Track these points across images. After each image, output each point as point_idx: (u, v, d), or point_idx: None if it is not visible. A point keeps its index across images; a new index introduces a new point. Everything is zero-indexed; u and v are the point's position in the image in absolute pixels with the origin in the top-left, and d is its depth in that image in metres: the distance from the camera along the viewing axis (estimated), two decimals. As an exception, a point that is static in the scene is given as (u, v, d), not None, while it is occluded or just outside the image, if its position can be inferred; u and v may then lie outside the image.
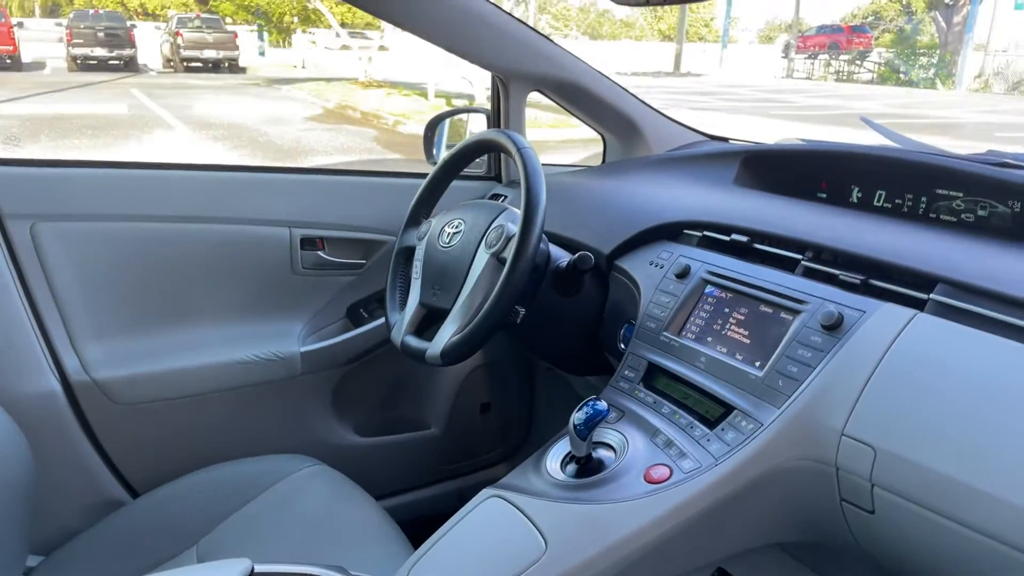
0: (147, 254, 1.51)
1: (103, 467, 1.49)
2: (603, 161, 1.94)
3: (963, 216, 1.21)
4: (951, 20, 20.21)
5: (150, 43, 20.96)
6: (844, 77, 24.13)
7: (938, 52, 20.72)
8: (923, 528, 0.85)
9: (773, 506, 1.00)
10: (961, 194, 1.21)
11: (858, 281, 1.02)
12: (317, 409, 1.70)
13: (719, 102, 15.85)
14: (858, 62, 24.22)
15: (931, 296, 0.94)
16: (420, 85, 14.06)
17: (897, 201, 1.30)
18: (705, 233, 1.28)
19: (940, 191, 1.24)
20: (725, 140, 1.88)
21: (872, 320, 0.95)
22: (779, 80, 24.94)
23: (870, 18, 29.14)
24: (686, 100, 15.91)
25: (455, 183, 1.61)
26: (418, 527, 1.17)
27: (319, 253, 1.66)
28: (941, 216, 1.24)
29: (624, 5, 1.02)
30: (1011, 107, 15.90)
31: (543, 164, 1.96)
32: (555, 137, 9.28)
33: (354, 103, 13.13)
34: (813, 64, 26.05)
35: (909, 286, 0.97)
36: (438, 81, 13.06)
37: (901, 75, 21.25)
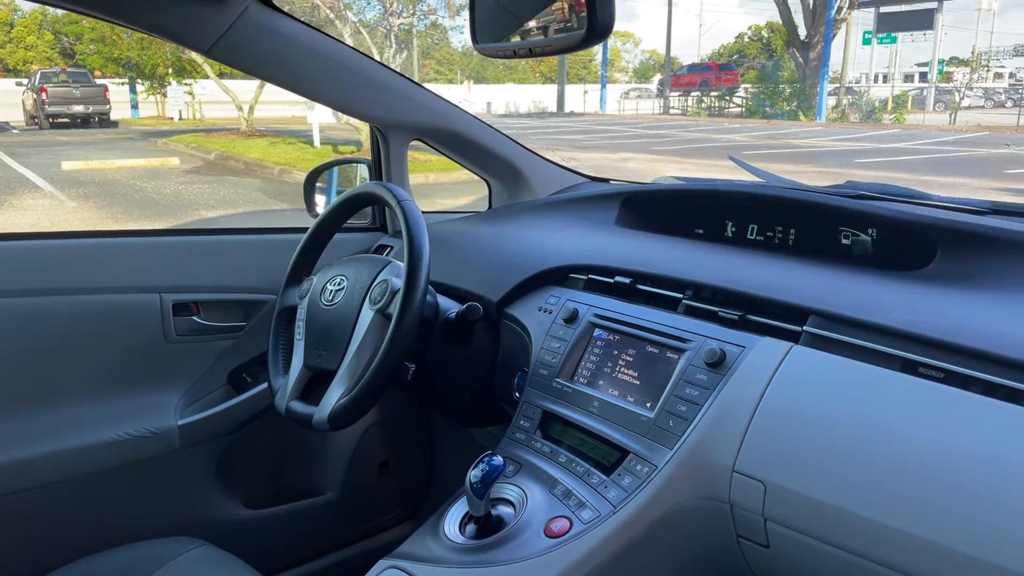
0: (1, 333, 1.39)
1: None
2: (489, 206, 1.94)
3: (828, 246, 1.27)
4: (808, 56, 21.76)
5: (11, 100, 19.83)
6: (716, 112, 25.53)
7: (798, 86, 22.24)
8: (816, 559, 0.87)
9: (675, 547, 0.99)
10: (824, 225, 1.27)
11: (736, 317, 1.05)
12: (200, 484, 1.59)
13: (603, 140, 16.41)
14: (727, 98, 25.72)
15: (804, 328, 0.97)
16: (305, 133, 13.86)
17: (768, 234, 1.35)
18: (590, 276, 1.29)
19: (805, 224, 1.30)
20: (606, 181, 1.92)
21: (752, 355, 0.97)
22: (656, 117, 26.11)
23: (735, 56, 31.05)
24: (572, 140, 16.39)
25: (339, 236, 1.56)
26: None
27: (194, 318, 1.56)
28: (810, 247, 1.29)
29: (492, 57, 1.02)
30: (866, 134, 17.20)
31: (434, 211, 1.96)
32: (449, 179, 9.33)
33: (236, 153, 12.79)
34: (687, 101, 27.45)
35: (784, 319, 1.01)
36: (322, 127, 12.93)
37: (767, 109, 22.66)
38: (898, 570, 0.79)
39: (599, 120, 24.62)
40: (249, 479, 1.69)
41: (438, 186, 9.30)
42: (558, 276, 1.33)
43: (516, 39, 0.99)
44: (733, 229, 1.41)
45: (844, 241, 1.25)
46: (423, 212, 1.91)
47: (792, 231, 1.32)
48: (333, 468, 1.79)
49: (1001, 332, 0.85)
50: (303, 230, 1.46)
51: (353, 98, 1.57)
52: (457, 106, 1.73)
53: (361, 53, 1.55)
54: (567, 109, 28.41)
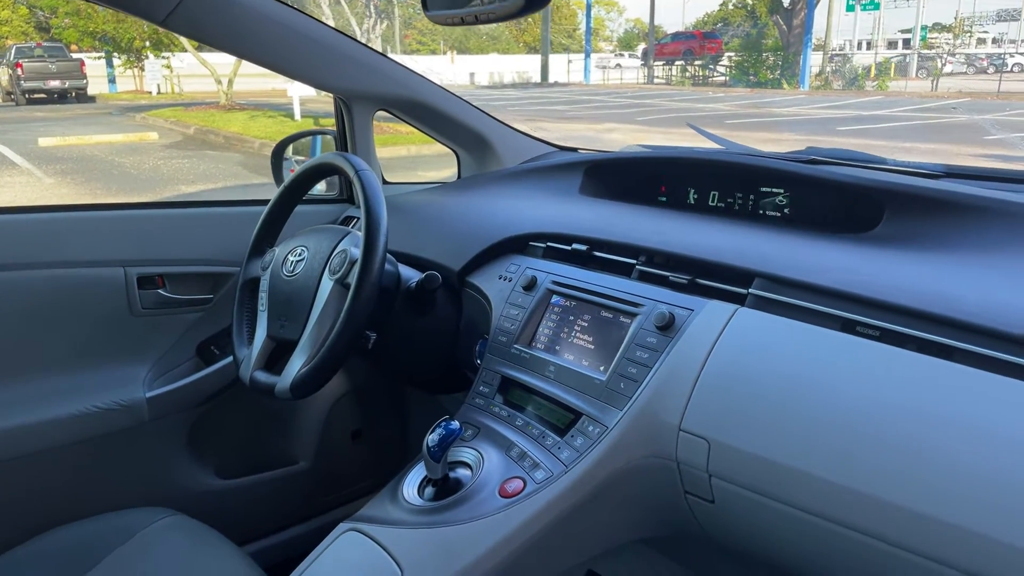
0: None
1: None
2: (458, 176, 1.95)
3: (785, 211, 1.29)
4: (791, 23, 21.66)
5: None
6: (700, 81, 25.43)
7: (782, 54, 22.17)
8: (758, 513, 0.90)
9: (626, 504, 1.02)
10: (781, 191, 1.29)
11: (685, 281, 1.07)
12: (172, 456, 1.61)
13: (587, 111, 16.33)
14: (711, 66, 25.60)
15: (750, 291, 1.00)
16: (286, 106, 13.71)
17: (729, 200, 1.37)
18: (549, 244, 1.30)
19: (764, 189, 1.32)
20: (574, 150, 1.93)
21: (699, 318, 1.00)
22: (641, 86, 25.98)
23: (719, 24, 30.85)
24: (556, 111, 16.30)
25: (307, 208, 1.56)
26: (290, 568, 1.13)
27: (160, 291, 1.57)
28: (767, 212, 1.31)
29: (442, 24, 1.03)
30: (849, 102, 17.21)
31: (406, 182, 1.96)
32: (430, 152, 9.28)
33: (216, 128, 12.64)
34: (671, 70, 27.30)
35: (731, 282, 1.03)
36: (303, 100, 12.80)
37: (750, 77, 22.60)
38: (833, 521, 0.82)
39: (583, 90, 24.47)
40: (221, 449, 1.71)
41: (419, 158, 9.25)
42: (518, 244, 1.35)
43: (464, 8, 1.00)
44: (695, 196, 1.42)
45: (798, 206, 1.27)
46: (400, 183, 1.93)
47: (751, 197, 1.34)
48: (306, 438, 1.82)
49: (936, 291, 0.87)
50: (267, 202, 1.46)
51: (314, 68, 1.56)
52: (422, 76, 1.73)
53: (321, 23, 1.54)
54: (551, 79, 28.21)
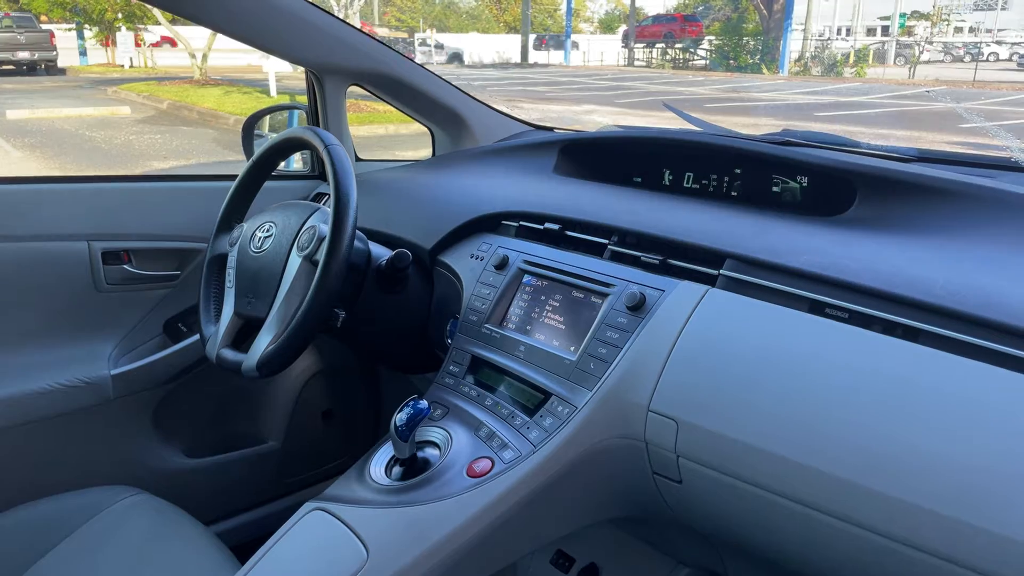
0: None
1: None
2: (432, 154, 1.93)
3: (759, 193, 1.29)
4: (772, 7, 21.65)
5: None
6: (680, 64, 25.41)
7: (762, 38, 22.17)
8: (725, 494, 0.90)
9: (594, 485, 1.02)
10: (756, 173, 1.29)
11: (657, 261, 1.06)
12: (138, 434, 1.58)
13: (567, 92, 16.26)
14: (691, 50, 25.58)
15: (721, 271, 0.99)
16: (261, 82, 13.51)
17: (704, 182, 1.36)
18: (521, 223, 1.29)
19: (739, 170, 1.31)
20: (550, 129, 1.91)
21: (670, 298, 0.99)
22: (621, 68, 25.92)
23: (700, 7, 30.79)
24: (536, 92, 16.21)
25: (280, 183, 1.53)
26: (258, 547, 1.12)
27: (125, 267, 1.54)
28: (742, 194, 1.31)
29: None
30: (828, 88, 17.29)
31: (381, 159, 1.94)
32: (408, 131, 9.19)
33: (190, 103, 12.43)
34: (651, 52, 27.25)
35: (702, 263, 1.02)
36: (279, 76, 12.61)
37: (730, 61, 22.61)
38: (798, 501, 0.82)
39: (563, 71, 24.36)
40: (190, 428, 1.69)
41: (397, 138, 9.16)
42: (490, 223, 1.33)
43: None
44: (670, 177, 1.42)
45: (775, 188, 1.27)
46: (373, 160, 1.90)
47: (726, 178, 1.33)
48: (276, 417, 1.80)
49: (904, 274, 0.87)
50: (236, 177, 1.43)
51: (285, 40, 1.53)
52: (395, 50, 1.70)
53: None
54: (531, 60, 28.03)
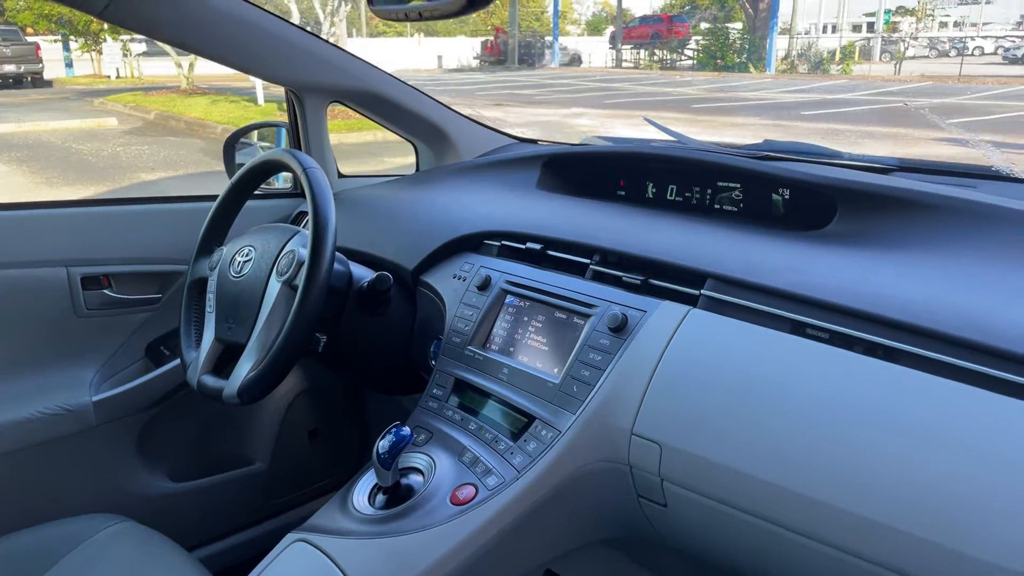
0: None
1: None
2: (416, 169, 1.92)
3: (741, 206, 1.28)
4: (757, 6, 21.69)
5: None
6: (668, 65, 25.44)
7: (748, 38, 22.20)
8: (710, 517, 0.89)
9: (579, 509, 1.01)
10: (738, 186, 1.28)
11: (639, 282, 1.05)
12: (122, 460, 1.57)
13: (555, 95, 16.26)
14: (679, 50, 25.62)
15: (702, 292, 0.99)
16: (249, 90, 13.47)
17: (687, 195, 1.36)
18: (503, 242, 1.28)
19: (721, 184, 1.31)
20: (534, 142, 1.90)
21: (651, 320, 0.98)
22: (609, 70, 25.95)
23: (687, 7, 30.83)
24: (524, 95, 16.21)
25: (261, 203, 1.51)
26: (246, 571, 1.11)
27: (105, 291, 1.52)
28: (724, 207, 1.31)
29: (386, 19, 0.99)
30: (814, 86, 17.34)
31: (364, 174, 1.92)
32: (396, 137, 9.15)
33: (177, 113, 12.37)
34: (639, 53, 27.29)
35: (684, 283, 1.02)
36: (267, 84, 12.57)
37: (717, 61, 22.64)
38: (781, 525, 0.81)
39: (551, 73, 24.38)
40: (174, 452, 1.67)
41: (387, 144, 9.13)
42: (473, 243, 1.32)
43: (408, 3, 0.97)
44: (654, 190, 1.41)
45: (753, 202, 1.27)
46: (356, 176, 1.89)
47: (708, 191, 1.33)
48: (262, 438, 1.78)
49: (883, 293, 0.87)
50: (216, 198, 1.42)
51: (262, 60, 1.51)
52: (376, 67, 1.69)
53: (269, 12, 1.50)
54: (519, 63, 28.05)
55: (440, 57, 28.58)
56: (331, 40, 1.59)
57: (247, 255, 1.25)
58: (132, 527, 1.28)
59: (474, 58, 29.72)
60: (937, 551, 0.70)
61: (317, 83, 1.61)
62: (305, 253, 1.16)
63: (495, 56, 29.00)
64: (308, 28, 1.74)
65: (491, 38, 30.38)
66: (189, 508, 1.66)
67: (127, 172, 8.42)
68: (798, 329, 0.89)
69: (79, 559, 1.20)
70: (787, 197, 1.22)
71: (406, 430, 0.97)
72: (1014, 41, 25.41)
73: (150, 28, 1.37)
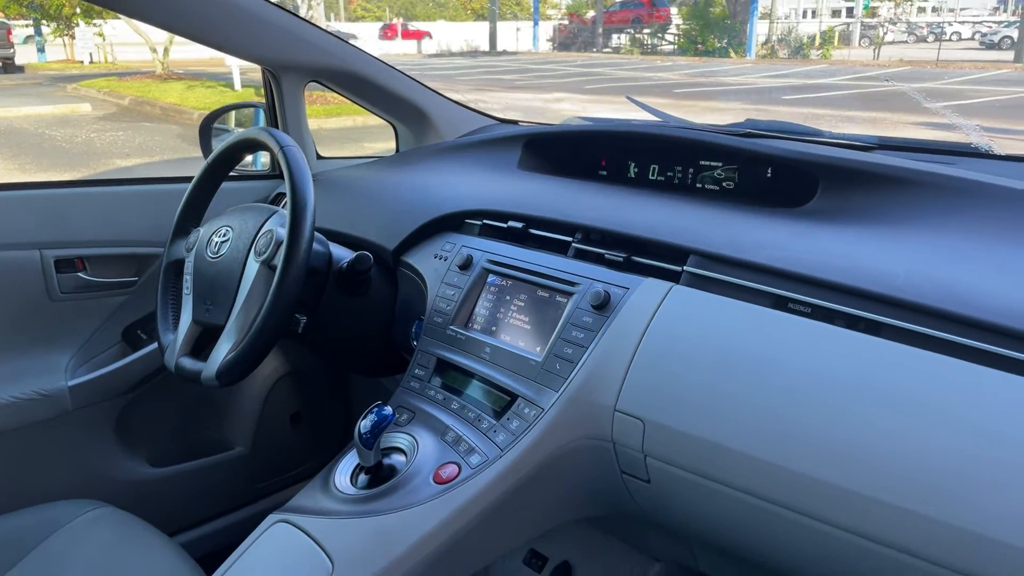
0: None
1: None
2: (396, 150, 1.90)
3: (724, 184, 1.28)
4: (738, -10, 21.67)
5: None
6: (649, 50, 25.41)
7: (729, 22, 22.20)
8: (693, 492, 0.89)
9: (563, 486, 1.01)
10: (720, 164, 1.28)
11: (622, 259, 1.05)
12: (100, 445, 1.55)
13: (536, 80, 16.19)
14: (659, 35, 25.58)
15: (684, 268, 0.98)
16: (225, 75, 13.28)
17: (669, 174, 1.35)
18: (485, 221, 1.27)
19: (703, 162, 1.30)
20: (515, 123, 1.89)
21: (634, 296, 0.98)
22: (590, 55, 25.87)
23: (667, -9, 30.75)
24: (504, 80, 16.13)
25: (238, 184, 1.49)
26: (227, 556, 1.10)
27: (80, 274, 1.49)
28: (706, 186, 1.30)
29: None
30: (794, 71, 17.40)
31: (344, 156, 1.90)
32: (377, 122, 9.07)
33: (152, 98, 12.18)
34: (620, 38, 27.22)
35: (666, 259, 1.01)
36: (244, 69, 12.42)
37: (698, 46, 22.63)
38: (765, 499, 0.82)
39: (532, 58, 24.25)
40: (153, 437, 1.65)
41: (367, 129, 9.06)
42: (454, 222, 1.31)
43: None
44: (635, 170, 1.41)
45: (735, 179, 1.26)
46: (335, 158, 1.87)
47: (691, 170, 1.32)
48: (243, 422, 1.77)
49: (865, 267, 0.87)
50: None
51: (237, 37, 1.49)
52: (354, 46, 1.66)
53: None
54: (499, 47, 27.88)
55: (419, 42, 28.37)
56: (308, 23, 1.56)
57: (224, 235, 1.23)
58: (111, 512, 1.26)
59: (547, 40, 29.34)
60: (917, 520, 0.70)
61: (294, 62, 1.59)
62: (283, 233, 1.14)
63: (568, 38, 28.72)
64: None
65: (564, 21, 30.13)
66: (169, 493, 1.64)
67: (102, 158, 8.28)
68: (780, 304, 0.89)
69: (57, 545, 1.18)
70: (769, 174, 1.22)
71: (388, 409, 0.96)
72: (991, 26, 25.63)
73: (120, 4, 1.34)
